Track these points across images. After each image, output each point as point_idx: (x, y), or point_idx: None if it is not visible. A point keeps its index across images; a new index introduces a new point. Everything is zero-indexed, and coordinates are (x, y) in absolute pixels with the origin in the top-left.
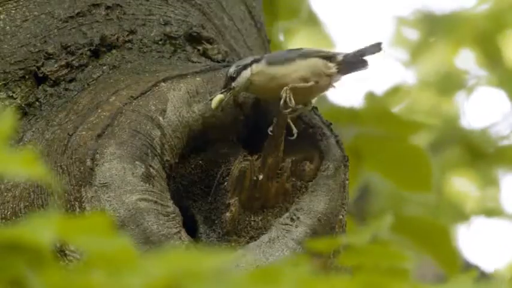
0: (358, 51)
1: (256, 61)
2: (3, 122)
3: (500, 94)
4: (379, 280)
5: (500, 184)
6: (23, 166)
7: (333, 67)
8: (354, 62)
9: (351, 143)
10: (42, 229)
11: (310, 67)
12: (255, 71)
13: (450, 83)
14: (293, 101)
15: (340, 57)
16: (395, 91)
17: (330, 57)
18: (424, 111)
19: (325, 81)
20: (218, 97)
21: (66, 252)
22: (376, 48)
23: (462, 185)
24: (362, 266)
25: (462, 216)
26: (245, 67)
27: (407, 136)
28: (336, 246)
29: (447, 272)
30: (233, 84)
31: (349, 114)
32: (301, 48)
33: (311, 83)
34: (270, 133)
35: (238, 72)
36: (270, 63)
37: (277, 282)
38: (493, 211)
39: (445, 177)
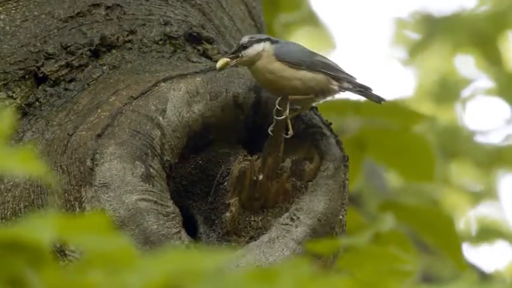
0: (362, 90)
1: (271, 41)
2: (2, 121)
3: (499, 99)
4: (378, 280)
5: (500, 191)
6: (22, 164)
7: (335, 87)
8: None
9: (355, 134)
10: (42, 229)
11: (311, 81)
12: (267, 49)
13: (449, 89)
14: (288, 111)
15: (345, 85)
16: (394, 103)
17: (337, 79)
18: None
19: (323, 95)
20: (224, 60)
21: (66, 252)
22: (377, 99)
23: (460, 197)
24: (363, 268)
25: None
26: (259, 41)
27: (410, 126)
28: (336, 248)
29: (452, 261)
30: (243, 52)
31: (353, 106)
32: (316, 55)
33: (309, 96)
34: (270, 133)
35: (251, 44)
36: (278, 55)
37: (276, 282)
38: (492, 230)
39: (443, 190)
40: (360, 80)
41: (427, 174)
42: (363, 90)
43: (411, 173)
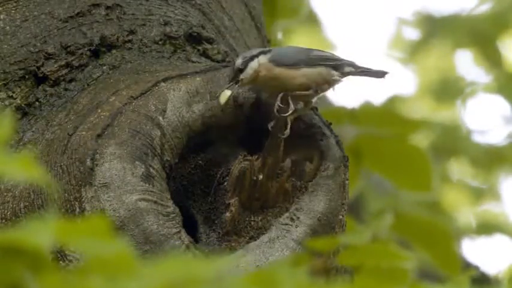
0: (364, 70)
1: (264, 53)
2: (2, 124)
3: (499, 98)
4: (378, 284)
5: (501, 192)
6: (22, 169)
7: (336, 76)
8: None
9: (351, 143)
10: (41, 233)
11: (314, 75)
12: (262, 62)
13: (449, 88)
14: (292, 105)
15: (347, 69)
16: (393, 100)
17: (336, 67)
18: (422, 118)
19: (326, 88)
20: (226, 92)
21: (66, 252)
22: (381, 74)
23: (460, 196)
24: (362, 266)
25: (459, 229)
26: (252, 58)
27: (407, 135)
28: (335, 245)
29: (447, 272)
30: (241, 75)
31: (349, 114)
32: (312, 50)
33: (311, 92)
34: (270, 129)
35: (246, 64)
36: (276, 61)
37: (275, 286)
38: (492, 225)
39: (442, 188)
40: (359, 63)
41: (424, 183)
42: (365, 70)
43: (408, 182)
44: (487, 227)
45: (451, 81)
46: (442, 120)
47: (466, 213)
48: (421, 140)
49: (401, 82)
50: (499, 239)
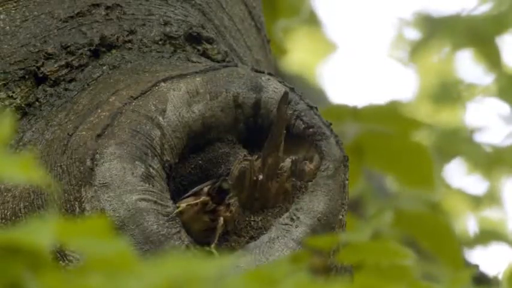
0: None
1: None
2: (2, 125)
3: (499, 100)
4: (378, 282)
5: (503, 195)
6: (22, 169)
7: None
8: None
9: (353, 140)
10: (41, 232)
11: None
12: None
13: (449, 90)
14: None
15: None
16: (395, 103)
17: None
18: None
19: None
20: None
21: (66, 252)
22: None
23: (460, 199)
24: (362, 264)
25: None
26: None
27: (409, 133)
28: (335, 243)
29: (449, 269)
30: None
31: (351, 112)
32: None
33: None
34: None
35: None
36: None
37: (275, 285)
38: (492, 233)
39: (442, 191)
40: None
41: (427, 181)
42: None
43: (410, 180)
44: (486, 235)
45: (451, 83)
46: (442, 123)
47: (465, 219)
48: (422, 140)
49: (403, 83)
50: (498, 247)
